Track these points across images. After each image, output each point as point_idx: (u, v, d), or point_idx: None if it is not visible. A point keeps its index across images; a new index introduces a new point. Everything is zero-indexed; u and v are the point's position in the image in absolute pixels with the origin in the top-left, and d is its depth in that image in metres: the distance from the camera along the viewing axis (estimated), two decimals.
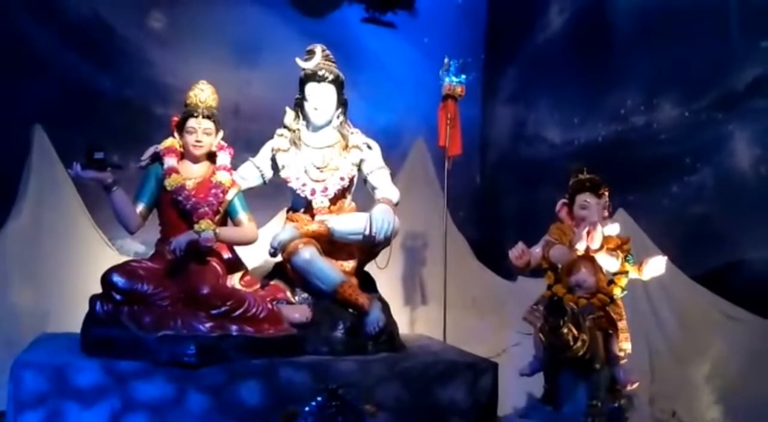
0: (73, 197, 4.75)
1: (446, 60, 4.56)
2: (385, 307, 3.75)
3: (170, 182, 3.38)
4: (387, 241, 3.61)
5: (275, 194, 4.18)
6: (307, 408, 1.92)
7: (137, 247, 5.06)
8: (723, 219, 4.18)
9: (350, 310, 3.59)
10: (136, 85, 5.34)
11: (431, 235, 5.49)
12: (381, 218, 3.51)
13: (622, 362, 3.15)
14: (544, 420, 3.04)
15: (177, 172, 3.42)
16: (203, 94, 3.48)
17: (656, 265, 3.22)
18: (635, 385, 3.17)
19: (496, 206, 6.33)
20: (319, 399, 1.95)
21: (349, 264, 3.74)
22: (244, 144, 4.11)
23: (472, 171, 6.52)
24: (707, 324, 4.03)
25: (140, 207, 3.42)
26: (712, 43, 4.36)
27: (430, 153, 5.74)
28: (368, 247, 3.70)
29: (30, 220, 4.56)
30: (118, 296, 3.17)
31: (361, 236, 3.57)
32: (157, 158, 3.49)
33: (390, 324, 3.69)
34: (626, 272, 3.20)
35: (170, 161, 3.44)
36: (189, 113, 3.45)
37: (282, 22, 5.78)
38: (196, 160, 3.50)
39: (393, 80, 6.07)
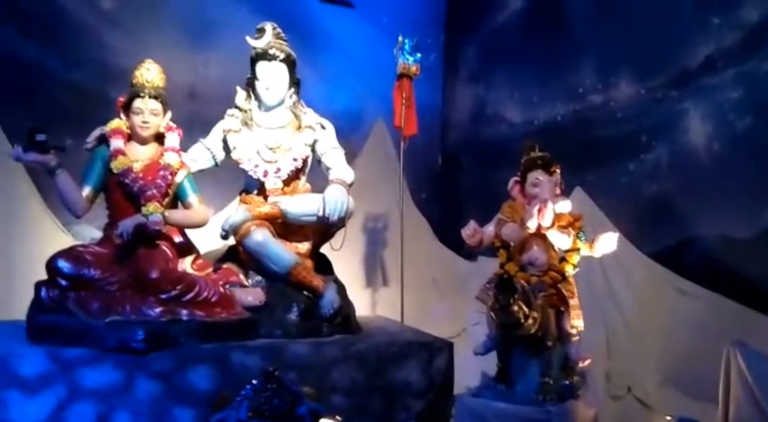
0: (24, 181, 4.62)
1: (400, 38, 4.50)
2: (341, 289, 3.72)
3: (116, 165, 3.30)
4: (341, 222, 3.57)
5: (234, 179, 4.10)
6: (242, 392, 1.88)
7: (93, 232, 4.90)
8: (677, 196, 4.21)
9: (305, 292, 3.55)
10: (88, 67, 5.20)
11: (392, 216, 5.45)
12: (334, 199, 3.47)
13: (574, 339, 3.16)
14: (496, 398, 3.04)
15: (124, 154, 3.33)
16: (149, 73, 3.39)
17: (607, 242, 3.22)
18: (587, 362, 3.19)
19: (458, 187, 6.32)
20: (254, 382, 1.91)
21: (304, 246, 3.70)
22: (201, 127, 4.01)
23: (434, 152, 6.50)
24: (662, 300, 4.07)
25: (86, 191, 3.33)
26: (666, 21, 4.37)
27: (390, 135, 5.68)
28: (323, 228, 3.66)
29: None
30: (63, 282, 3.10)
31: (314, 218, 3.52)
32: (104, 139, 3.40)
33: (345, 306, 3.66)
34: (578, 250, 3.20)
35: (116, 143, 3.35)
36: (135, 93, 3.36)
37: (239, 1, 5.66)
38: (143, 141, 3.42)
39: (352, 61, 5.99)
